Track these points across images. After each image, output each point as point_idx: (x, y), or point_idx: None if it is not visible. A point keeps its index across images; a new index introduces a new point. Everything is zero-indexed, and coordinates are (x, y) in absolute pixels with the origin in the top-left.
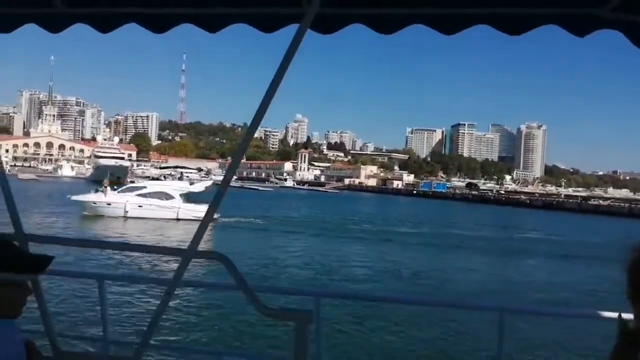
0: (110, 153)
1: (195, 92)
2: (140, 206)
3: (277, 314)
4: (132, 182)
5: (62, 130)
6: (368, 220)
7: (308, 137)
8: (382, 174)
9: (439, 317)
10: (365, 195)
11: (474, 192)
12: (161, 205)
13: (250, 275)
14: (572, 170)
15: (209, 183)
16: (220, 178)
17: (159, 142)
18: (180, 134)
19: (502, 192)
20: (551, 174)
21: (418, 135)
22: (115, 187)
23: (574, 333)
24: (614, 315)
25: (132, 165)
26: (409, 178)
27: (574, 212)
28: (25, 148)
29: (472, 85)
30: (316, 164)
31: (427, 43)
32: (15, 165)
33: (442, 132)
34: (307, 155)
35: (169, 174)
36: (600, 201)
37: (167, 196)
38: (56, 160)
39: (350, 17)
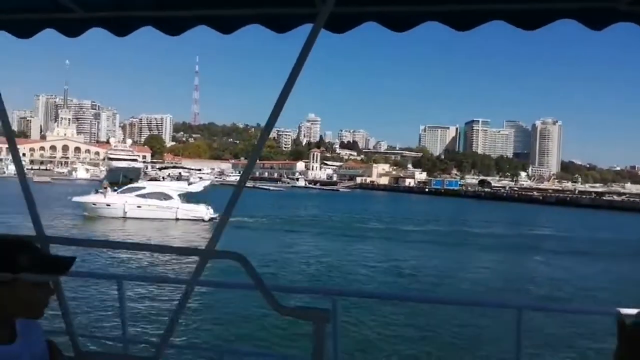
0: (123, 155)
1: (209, 93)
2: (139, 207)
3: (295, 313)
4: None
5: (78, 133)
6: (376, 218)
7: (321, 137)
8: (394, 172)
9: (456, 316)
10: (377, 193)
11: (486, 190)
12: (160, 206)
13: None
14: (588, 165)
15: (207, 183)
16: (233, 178)
17: (173, 143)
18: (194, 135)
19: (516, 188)
20: (567, 170)
21: (431, 132)
22: (116, 188)
23: (593, 331)
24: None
25: (147, 167)
26: (421, 176)
27: (587, 208)
28: (42, 151)
29: (486, 81)
30: (329, 163)
31: (440, 39)
32: (32, 169)
33: (456, 129)
34: (319, 154)
35: (168, 175)
36: (615, 197)
37: (166, 196)
38: (72, 163)
39: (363, 15)
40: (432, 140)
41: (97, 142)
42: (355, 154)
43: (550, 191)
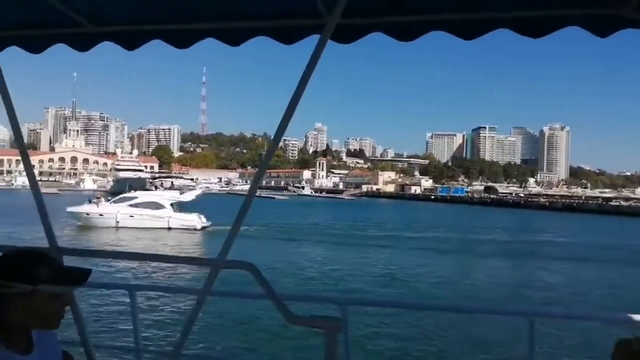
0: (130, 166)
1: (217, 104)
2: (131, 216)
3: (306, 322)
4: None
5: (87, 144)
6: (378, 226)
7: (327, 145)
8: (399, 180)
9: (467, 323)
10: (383, 201)
11: (492, 196)
12: (152, 215)
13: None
14: (598, 171)
15: (198, 192)
16: (240, 188)
17: (181, 153)
18: (202, 146)
19: (522, 195)
20: (576, 175)
21: (438, 140)
22: (109, 198)
23: (607, 337)
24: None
25: (155, 177)
26: (427, 183)
27: (594, 214)
28: (51, 163)
29: (492, 87)
30: (335, 171)
31: (445, 46)
32: (41, 180)
33: (463, 136)
34: (325, 162)
35: (160, 184)
36: (622, 202)
37: (158, 206)
38: (80, 174)
39: (370, 26)
40: (439, 148)
41: (106, 153)
42: (361, 162)
43: (557, 197)
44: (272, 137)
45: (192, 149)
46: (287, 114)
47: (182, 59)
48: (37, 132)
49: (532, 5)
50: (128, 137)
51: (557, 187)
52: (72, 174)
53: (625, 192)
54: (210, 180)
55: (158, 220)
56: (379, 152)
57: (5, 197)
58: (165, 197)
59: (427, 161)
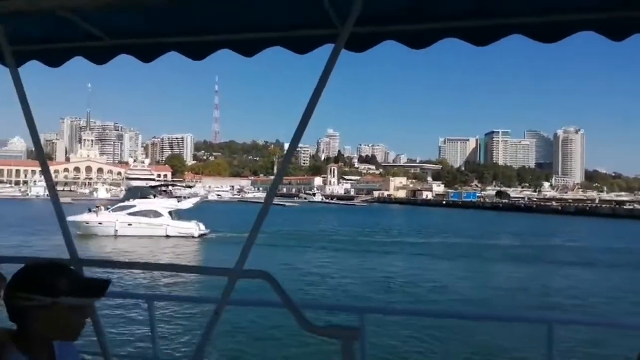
0: (141, 175)
1: (230, 111)
2: (129, 224)
3: (323, 331)
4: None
5: (101, 154)
6: (385, 231)
7: (339, 151)
8: (411, 185)
9: (485, 331)
10: (394, 207)
11: (504, 201)
12: (150, 223)
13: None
14: (614, 174)
15: (196, 200)
16: (251, 195)
17: (194, 162)
18: (214, 154)
19: (534, 199)
20: (592, 179)
21: (451, 144)
22: (109, 207)
23: (629, 345)
24: None
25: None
26: (438, 188)
27: (607, 218)
28: (66, 173)
29: (505, 91)
30: (347, 177)
31: (458, 51)
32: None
33: (476, 140)
34: (336, 169)
35: (160, 192)
36: (636, 205)
37: (156, 214)
38: (94, 183)
39: (383, 34)
40: (452, 152)
41: (120, 162)
42: (373, 167)
43: (570, 201)
44: (287, 146)
45: (205, 157)
46: (302, 123)
47: (195, 68)
48: (53, 143)
49: (546, 11)
50: (142, 146)
51: (572, 191)
52: (86, 183)
53: None
54: (222, 188)
55: (156, 228)
56: (391, 158)
57: (20, 207)
58: (163, 205)
59: (439, 166)
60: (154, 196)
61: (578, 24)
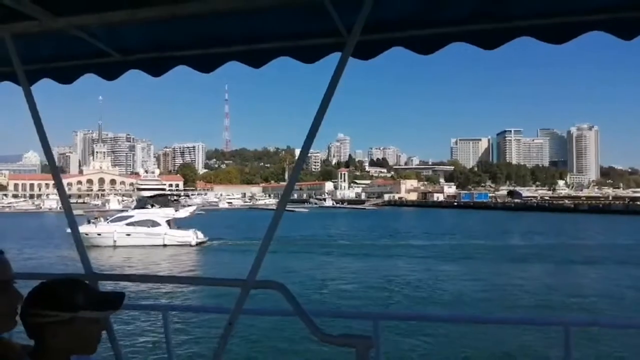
0: (152, 185)
1: (241, 119)
2: (128, 235)
3: (336, 340)
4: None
5: (114, 165)
6: (391, 234)
7: (350, 156)
8: (422, 188)
9: (502, 334)
10: (405, 209)
11: (516, 200)
12: (148, 233)
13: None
14: (630, 170)
15: (193, 209)
16: (262, 202)
17: (206, 170)
18: (226, 162)
19: (547, 198)
20: (607, 176)
21: (463, 145)
22: (108, 218)
23: None
24: None
25: (181, 195)
26: (450, 190)
27: (621, 214)
28: (79, 185)
29: (516, 90)
30: (358, 181)
31: (466, 51)
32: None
33: (488, 140)
34: (346, 173)
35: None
36: None
37: (154, 223)
38: (107, 194)
39: (390, 41)
40: (464, 153)
41: (132, 173)
42: (385, 171)
43: (582, 199)
44: (298, 152)
45: (217, 165)
46: (311, 131)
47: (206, 76)
48: (67, 156)
49: (553, 12)
50: (154, 157)
51: (587, 188)
52: (99, 195)
53: None
54: (233, 195)
55: (154, 237)
56: (403, 161)
57: (33, 220)
58: (160, 214)
59: (452, 168)
60: (152, 206)
61: (586, 24)
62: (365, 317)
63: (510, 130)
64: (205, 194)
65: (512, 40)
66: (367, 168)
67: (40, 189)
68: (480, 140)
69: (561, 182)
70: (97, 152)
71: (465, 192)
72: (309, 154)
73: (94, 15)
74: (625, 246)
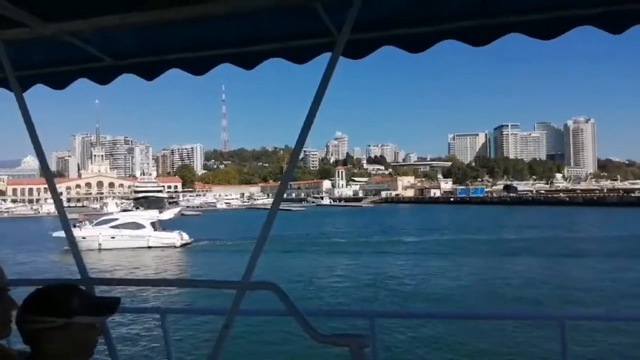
0: (149, 187)
1: (238, 119)
2: (112, 237)
3: (329, 339)
4: (182, 213)
5: (113, 168)
6: (383, 232)
7: (347, 154)
8: (419, 184)
9: (500, 330)
10: (401, 206)
11: (511, 194)
12: (132, 235)
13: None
14: (627, 162)
15: (176, 210)
16: (261, 202)
17: (205, 171)
18: (225, 162)
19: (542, 191)
20: (605, 168)
21: (460, 140)
22: (93, 221)
23: None
24: None
25: (179, 197)
26: (446, 186)
27: (616, 206)
28: (78, 189)
29: (512, 84)
30: (356, 179)
31: (461, 47)
32: (69, 207)
33: (485, 135)
34: (344, 171)
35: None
36: None
37: (139, 226)
38: (106, 197)
39: (380, 40)
40: (461, 149)
41: (131, 175)
42: (382, 168)
43: (577, 192)
44: (292, 152)
45: (215, 166)
46: (303, 131)
47: (202, 77)
48: (66, 160)
49: (542, 8)
50: (153, 159)
51: (585, 181)
52: (98, 198)
53: None
54: (231, 196)
55: (138, 239)
56: (401, 157)
57: (30, 224)
58: (144, 217)
59: (449, 163)
60: (137, 208)
61: (575, 19)
62: (362, 315)
63: (507, 125)
64: (204, 195)
65: (501, 37)
66: (365, 165)
67: (39, 194)
68: (477, 135)
69: (559, 176)
70: (95, 155)
71: (462, 187)
72: (307, 153)
73: (84, 21)
74: (618, 238)
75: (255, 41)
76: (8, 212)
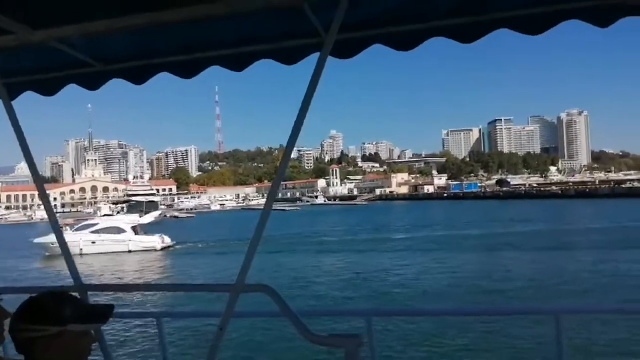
0: (142, 190)
1: (232, 120)
2: (93, 242)
3: (325, 340)
4: (175, 216)
5: (107, 172)
6: (376, 229)
7: (342, 152)
8: (412, 181)
9: (495, 325)
10: (395, 203)
11: (504, 189)
12: (113, 240)
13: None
14: (621, 153)
15: (157, 214)
16: (256, 202)
17: (200, 173)
18: (220, 163)
19: (535, 185)
20: (599, 160)
21: (455, 136)
22: (74, 226)
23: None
24: None
25: (174, 200)
26: (440, 181)
27: (607, 198)
28: (72, 194)
29: (505, 79)
30: (351, 177)
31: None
32: (63, 212)
33: (479, 130)
34: (338, 170)
35: (121, 208)
36: (635, 183)
37: (119, 230)
38: (99, 202)
39: (368, 39)
40: (456, 144)
41: (125, 180)
42: (377, 165)
43: (570, 184)
44: (283, 152)
45: (210, 167)
46: (294, 131)
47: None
48: (59, 165)
49: (529, 3)
50: (147, 162)
51: (579, 173)
52: (92, 203)
53: None
54: (225, 197)
55: (119, 244)
56: (396, 154)
57: (23, 231)
58: (125, 221)
59: (444, 159)
60: (118, 212)
61: (562, 14)
62: (358, 314)
63: (501, 119)
64: (198, 197)
65: (489, 33)
66: (359, 163)
67: (32, 200)
68: (471, 130)
69: (553, 168)
70: (88, 159)
71: (455, 182)
72: (302, 152)
73: (72, 27)
74: (607, 229)
75: (244, 43)
76: (2, 218)
